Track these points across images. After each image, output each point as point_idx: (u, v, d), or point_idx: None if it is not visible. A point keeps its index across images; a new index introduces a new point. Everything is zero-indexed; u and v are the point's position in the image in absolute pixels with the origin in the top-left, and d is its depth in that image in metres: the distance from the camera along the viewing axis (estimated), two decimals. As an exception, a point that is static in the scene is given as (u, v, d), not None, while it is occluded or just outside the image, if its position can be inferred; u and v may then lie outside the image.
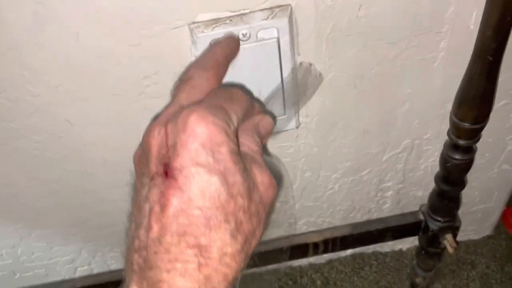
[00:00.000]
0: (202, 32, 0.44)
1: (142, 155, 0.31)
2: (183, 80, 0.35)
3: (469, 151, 0.58)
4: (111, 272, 0.76)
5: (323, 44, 0.50)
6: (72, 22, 0.43)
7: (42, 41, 0.44)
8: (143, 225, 0.28)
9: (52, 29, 0.43)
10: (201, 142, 0.27)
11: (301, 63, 0.48)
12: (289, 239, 0.74)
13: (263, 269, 0.74)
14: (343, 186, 0.72)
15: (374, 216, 0.80)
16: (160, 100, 0.51)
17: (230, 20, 0.44)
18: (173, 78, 0.49)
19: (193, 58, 0.47)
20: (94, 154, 0.58)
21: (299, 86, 0.47)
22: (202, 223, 0.27)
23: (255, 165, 0.31)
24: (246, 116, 0.33)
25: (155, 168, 0.29)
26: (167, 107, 0.33)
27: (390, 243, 0.88)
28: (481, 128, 0.55)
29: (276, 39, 0.46)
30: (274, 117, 0.38)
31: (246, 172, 0.29)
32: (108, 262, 0.77)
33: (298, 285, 0.90)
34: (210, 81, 0.35)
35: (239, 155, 0.29)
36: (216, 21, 0.44)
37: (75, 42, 0.44)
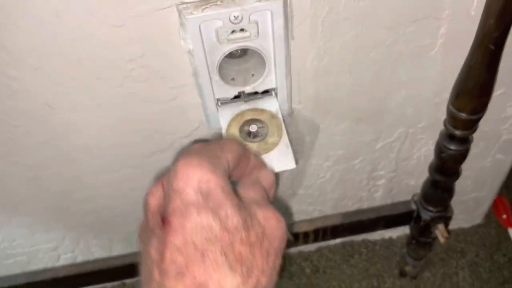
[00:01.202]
0: (191, 13, 0.41)
1: (144, 222, 0.32)
2: None
3: (465, 141, 0.57)
4: (94, 261, 0.75)
5: (319, 27, 0.48)
6: (53, 0, 0.40)
7: (20, 21, 0.41)
8: (147, 281, 0.29)
9: (31, 7, 0.40)
10: (189, 183, 0.29)
11: None
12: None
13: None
14: (335, 174, 0.71)
15: (365, 204, 0.79)
16: (146, 84, 0.49)
17: (221, 2, 0.42)
18: (160, 61, 0.47)
19: (182, 41, 0.44)
20: (77, 139, 0.55)
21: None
22: (198, 259, 0.27)
23: (255, 205, 0.31)
24: (240, 164, 0.34)
25: (154, 222, 0.30)
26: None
27: (380, 231, 0.88)
28: (479, 119, 0.53)
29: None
30: (273, 171, 0.38)
31: (239, 205, 0.29)
32: (92, 249, 0.76)
33: (287, 273, 0.89)
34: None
35: (230, 191, 0.30)
36: (206, 2, 0.42)
37: (55, 21, 0.42)
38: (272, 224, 0.30)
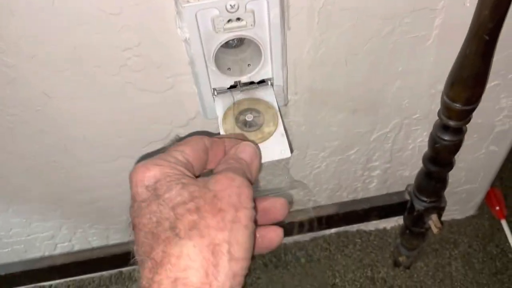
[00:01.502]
0: (188, 2, 0.42)
1: None
2: None
3: (459, 132, 0.57)
4: (92, 249, 0.75)
5: (315, 18, 0.48)
6: (48, -12, 0.40)
7: (15, 8, 0.41)
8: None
9: (26, -6, 0.40)
10: (138, 184, 0.32)
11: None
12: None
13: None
14: (330, 165, 0.71)
15: (360, 195, 0.79)
16: (142, 73, 0.49)
17: (218, -10, 0.42)
18: (156, 50, 0.47)
19: (178, 30, 0.44)
20: (74, 129, 0.55)
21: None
22: (155, 243, 0.30)
23: (212, 176, 0.33)
24: (213, 152, 0.37)
25: (130, 231, 0.33)
26: None
27: (374, 221, 0.88)
28: (473, 109, 0.54)
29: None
30: (252, 144, 0.39)
31: (186, 183, 0.32)
32: (89, 238, 0.76)
33: (282, 263, 0.90)
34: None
35: (178, 175, 0.32)
36: (202, -9, 0.42)
37: (51, 9, 0.42)
38: (223, 184, 0.32)
